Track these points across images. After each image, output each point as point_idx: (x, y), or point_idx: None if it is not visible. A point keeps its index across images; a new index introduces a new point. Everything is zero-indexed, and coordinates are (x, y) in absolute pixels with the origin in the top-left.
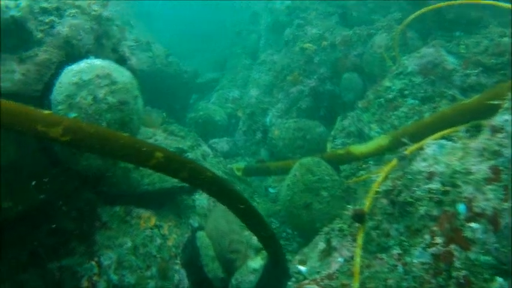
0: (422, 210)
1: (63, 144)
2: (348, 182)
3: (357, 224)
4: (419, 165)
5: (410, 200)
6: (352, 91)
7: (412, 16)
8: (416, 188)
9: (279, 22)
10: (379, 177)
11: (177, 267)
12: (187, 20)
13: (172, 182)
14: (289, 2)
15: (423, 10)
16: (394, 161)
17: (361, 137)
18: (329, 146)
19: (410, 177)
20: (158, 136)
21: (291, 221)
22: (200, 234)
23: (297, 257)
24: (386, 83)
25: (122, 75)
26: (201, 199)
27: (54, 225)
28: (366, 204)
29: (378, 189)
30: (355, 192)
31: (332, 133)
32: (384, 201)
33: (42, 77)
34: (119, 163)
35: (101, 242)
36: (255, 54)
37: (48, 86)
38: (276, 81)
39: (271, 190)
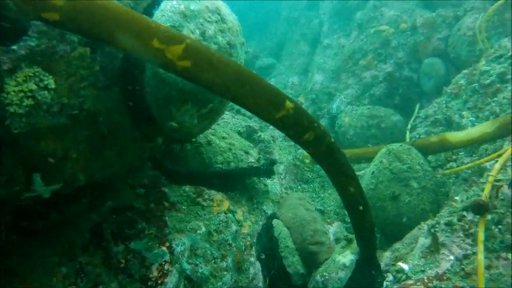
0: None
1: (178, 73)
2: (438, 174)
3: (470, 217)
4: None
5: None
6: (433, 78)
7: None
8: None
9: (347, 6)
10: (497, 163)
11: (252, 259)
12: (240, 8)
13: (248, 161)
14: None
15: None
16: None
17: (450, 125)
18: (408, 135)
19: None
20: (224, 114)
21: (373, 214)
22: (276, 222)
23: (387, 254)
24: (484, 67)
25: (230, 13)
26: (273, 184)
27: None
28: (484, 194)
29: (497, 178)
30: (446, 186)
31: (411, 122)
32: (509, 191)
33: (138, 5)
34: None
35: (172, 225)
36: (315, 41)
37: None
38: (345, 66)
39: None
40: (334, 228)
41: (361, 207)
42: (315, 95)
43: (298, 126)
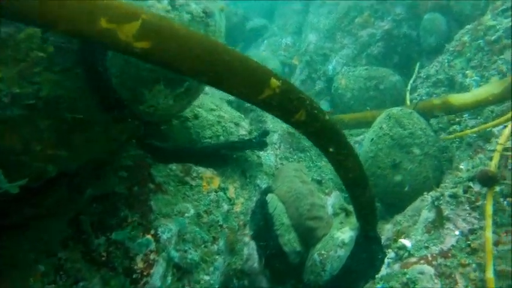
0: None
1: (137, 55)
2: (441, 138)
3: (476, 189)
4: None
5: None
6: (434, 34)
7: None
8: None
9: None
10: (506, 129)
11: (246, 238)
12: None
13: (239, 134)
14: None
15: None
16: None
17: (452, 86)
18: (408, 96)
19: None
20: None
21: (372, 183)
22: (271, 197)
23: (388, 226)
24: (489, 22)
25: None
26: (267, 155)
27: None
28: (492, 163)
29: (505, 145)
30: (449, 151)
31: (410, 82)
32: None
33: None
34: (185, 107)
35: (158, 210)
36: None
37: None
38: (340, 25)
39: None
40: (332, 199)
41: (360, 185)
42: (309, 57)
43: (286, 106)
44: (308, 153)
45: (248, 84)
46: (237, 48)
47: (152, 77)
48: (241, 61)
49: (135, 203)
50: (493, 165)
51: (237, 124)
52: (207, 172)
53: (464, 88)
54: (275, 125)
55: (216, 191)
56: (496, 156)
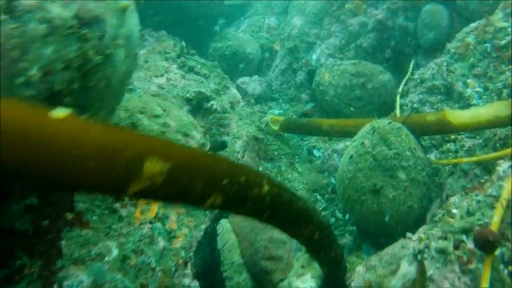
0: None
1: None
2: (434, 162)
3: (470, 245)
4: None
5: None
6: (433, 29)
7: None
8: None
9: None
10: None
11: (186, 280)
12: None
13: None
14: None
15: None
16: None
17: (450, 95)
18: (398, 101)
19: None
20: (172, 74)
21: (348, 207)
22: (223, 226)
23: (360, 270)
24: (499, 23)
25: None
26: None
27: None
28: (493, 221)
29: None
30: (440, 174)
31: (402, 84)
32: None
33: None
34: None
35: (69, 253)
36: None
37: None
38: (329, 9)
39: (316, 153)
40: None
41: (325, 249)
42: (292, 44)
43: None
44: (277, 163)
45: None
46: (216, 27)
47: None
48: None
49: (40, 244)
50: (494, 225)
51: (186, 135)
52: None
53: (463, 99)
54: (240, 130)
55: (151, 222)
56: (499, 213)
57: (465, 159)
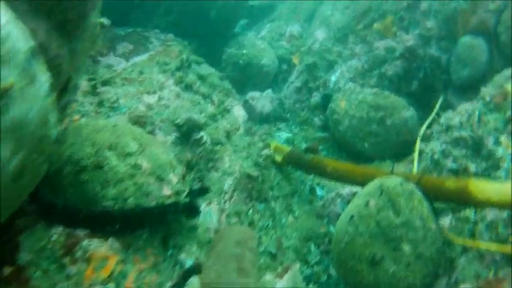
0: None
1: None
2: (447, 236)
3: None
4: None
5: None
6: (469, 66)
7: None
8: None
9: None
10: None
11: None
12: None
13: (160, 195)
14: None
15: None
16: None
17: (478, 151)
18: (417, 148)
19: None
20: (167, 91)
21: (341, 271)
22: (194, 284)
23: None
24: None
25: None
26: (209, 211)
27: None
28: None
29: None
30: (451, 250)
31: (425, 126)
32: None
33: None
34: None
35: None
36: None
37: None
38: (355, 26)
39: (319, 192)
40: (283, 283)
41: None
42: (311, 60)
43: None
44: (271, 205)
45: None
46: (236, 28)
47: None
48: None
49: None
50: None
51: (160, 179)
52: (102, 249)
53: (492, 159)
54: (233, 164)
55: (104, 283)
56: None
57: (483, 244)
